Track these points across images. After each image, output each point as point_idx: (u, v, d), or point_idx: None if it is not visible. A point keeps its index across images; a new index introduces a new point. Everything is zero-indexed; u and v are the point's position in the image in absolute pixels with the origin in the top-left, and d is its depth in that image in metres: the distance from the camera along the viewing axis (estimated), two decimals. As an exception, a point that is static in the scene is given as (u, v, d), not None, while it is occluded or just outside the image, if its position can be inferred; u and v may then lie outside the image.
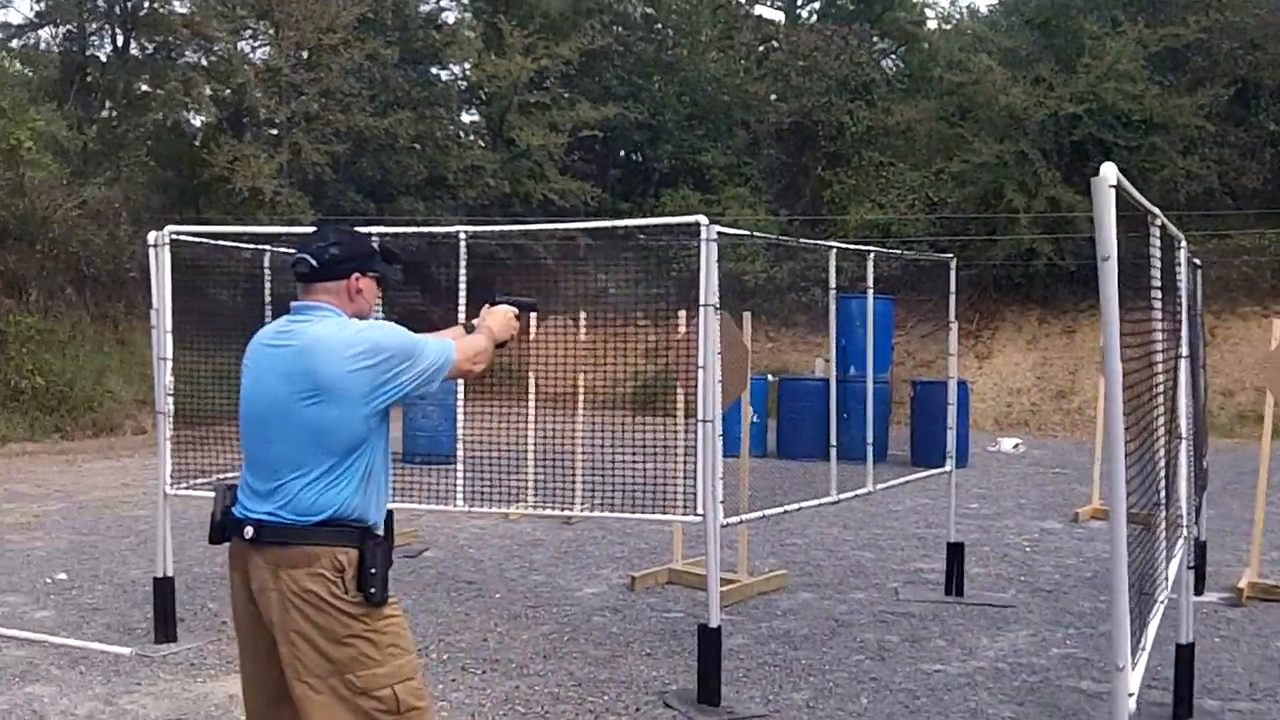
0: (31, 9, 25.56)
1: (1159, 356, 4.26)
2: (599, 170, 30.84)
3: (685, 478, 6.97)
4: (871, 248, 7.85)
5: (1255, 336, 20.66)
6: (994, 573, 8.90)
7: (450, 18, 30.25)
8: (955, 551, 8.12)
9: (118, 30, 25.85)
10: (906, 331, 22.90)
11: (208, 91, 25.45)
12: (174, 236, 6.83)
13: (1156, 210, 4.08)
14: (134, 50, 26.16)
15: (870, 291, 7.75)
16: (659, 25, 32.00)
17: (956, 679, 6.13)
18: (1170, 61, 24.15)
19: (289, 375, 3.43)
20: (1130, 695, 3.28)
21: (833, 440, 7.40)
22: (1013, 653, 6.66)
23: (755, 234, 7.10)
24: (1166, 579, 4.60)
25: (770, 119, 29.77)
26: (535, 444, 10.61)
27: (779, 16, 34.39)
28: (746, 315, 7.73)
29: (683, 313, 8.55)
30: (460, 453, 6.57)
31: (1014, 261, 23.77)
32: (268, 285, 8.15)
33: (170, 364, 6.75)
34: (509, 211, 26.53)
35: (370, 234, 4.54)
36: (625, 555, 9.24)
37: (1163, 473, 4.41)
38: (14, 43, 26.25)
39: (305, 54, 25.27)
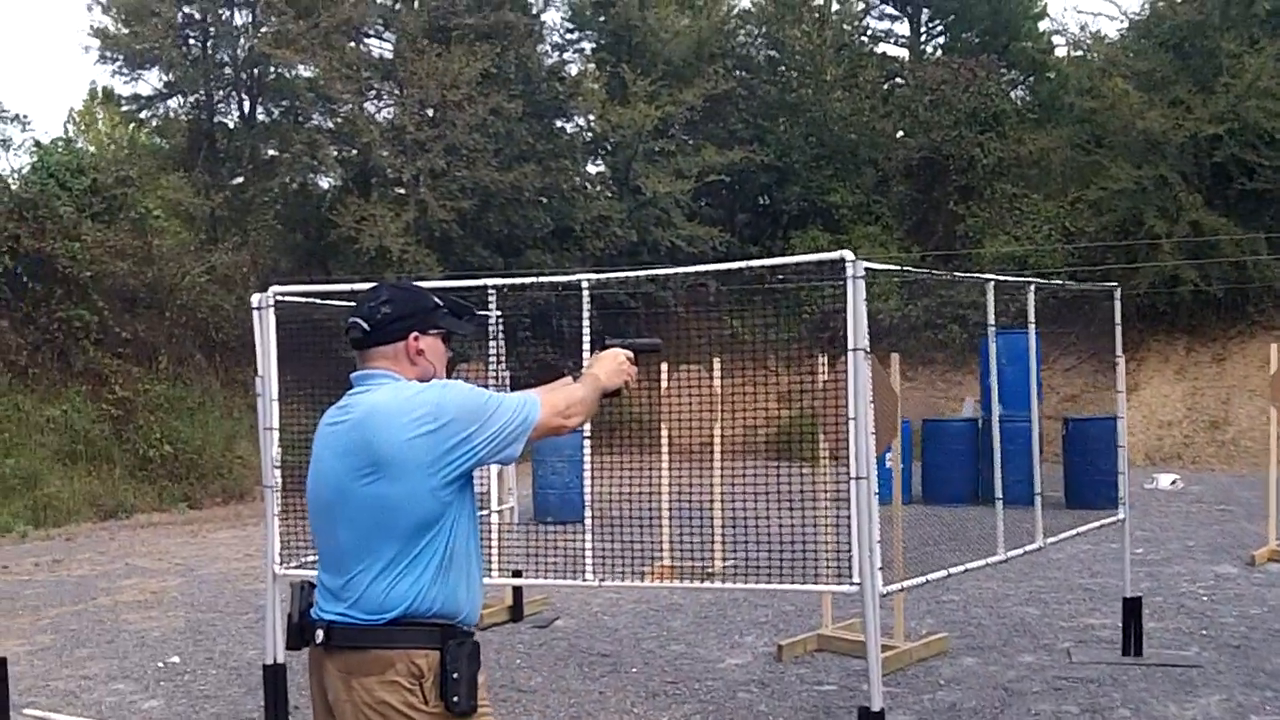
0: (160, 80, 26.03)
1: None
2: (726, 215, 30.42)
3: (838, 538, 6.39)
4: (1032, 279, 7.18)
5: None
6: (1172, 627, 8.11)
7: (573, 69, 30.21)
8: (1132, 607, 7.37)
9: (244, 96, 26.33)
10: (1049, 365, 22.02)
11: (333, 153, 25.69)
12: (279, 298, 6.51)
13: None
14: (260, 115, 26.59)
15: (1032, 325, 7.09)
16: (783, 67, 31.64)
17: (1153, 761, 5.43)
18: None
19: (346, 452, 3.02)
20: None
21: (997, 492, 6.71)
22: (1211, 726, 5.93)
23: (906, 269, 6.48)
24: None
25: (898, 155, 29.09)
26: (670, 500, 10.10)
27: (903, 53, 33.78)
28: (894, 357, 7.14)
29: (822, 357, 7.97)
30: (588, 521, 6.03)
31: (1157, 289, 22.78)
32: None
33: (276, 434, 6.40)
34: (637, 260, 26.21)
35: (445, 288, 3.72)
36: (770, 620, 8.62)
37: None
38: (144, 114, 26.86)
39: (430, 111, 25.40)
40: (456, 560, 3.01)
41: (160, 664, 7.97)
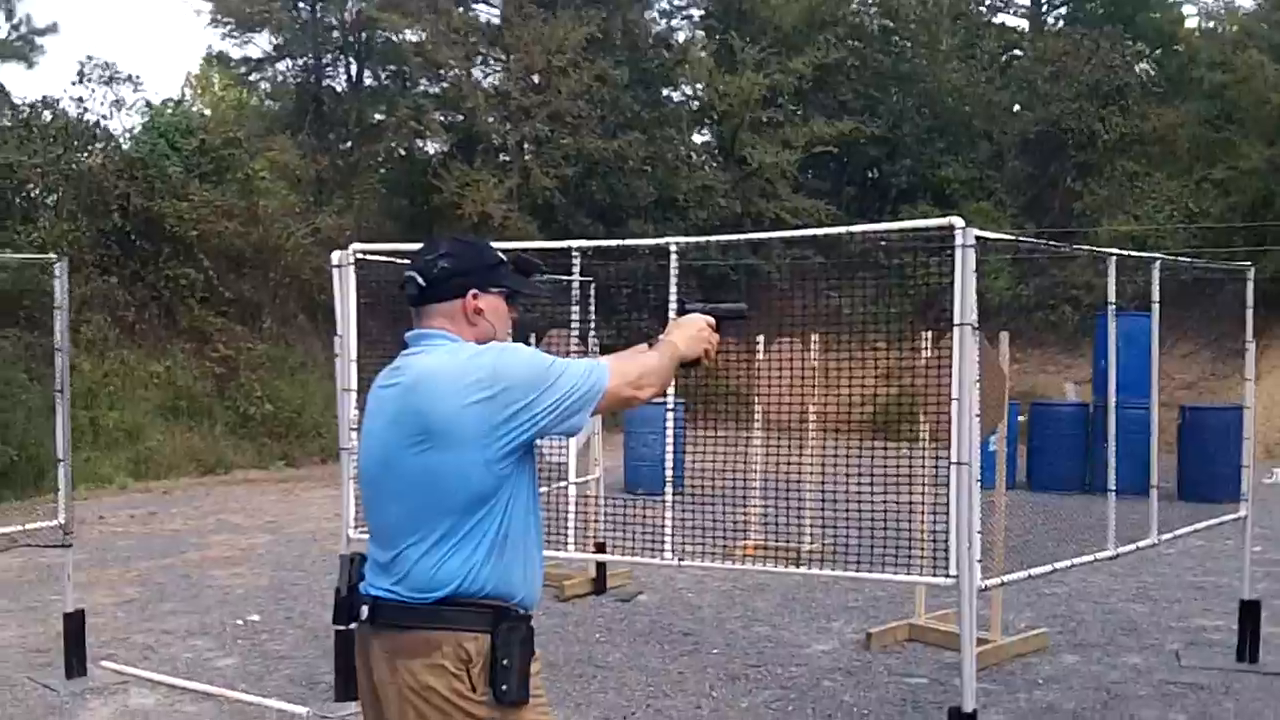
0: (270, 42, 26.22)
1: None
2: (833, 188, 29.81)
3: (935, 525, 6.04)
4: (1157, 255, 6.70)
5: None
6: (1293, 633, 7.61)
7: (681, 36, 29.84)
8: (1250, 610, 6.89)
9: (351, 60, 26.39)
10: (1165, 351, 21.16)
11: (438, 119, 25.65)
12: (359, 256, 6.32)
13: None
14: (367, 80, 26.66)
15: (1155, 305, 6.63)
16: (896, 37, 30.86)
17: (1269, 778, 5.02)
18: None
19: (397, 419, 2.77)
20: None
21: (1111, 483, 6.28)
22: (1336, 743, 5.49)
23: (1020, 238, 6.00)
24: None
25: (1014, 129, 28.24)
26: (761, 477, 9.78)
27: (1023, 23, 32.78)
28: (1004, 336, 6.73)
29: (926, 333, 7.58)
30: (668, 496, 5.72)
31: (1286, 275, 21.74)
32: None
33: (354, 395, 6.22)
34: (740, 232, 25.85)
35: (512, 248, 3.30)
36: (860, 605, 8.28)
37: None
38: (253, 76, 27.07)
39: (535, 78, 25.24)
40: (513, 538, 2.77)
41: (239, 622, 7.91)
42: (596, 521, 8.57)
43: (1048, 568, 5.54)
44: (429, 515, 2.72)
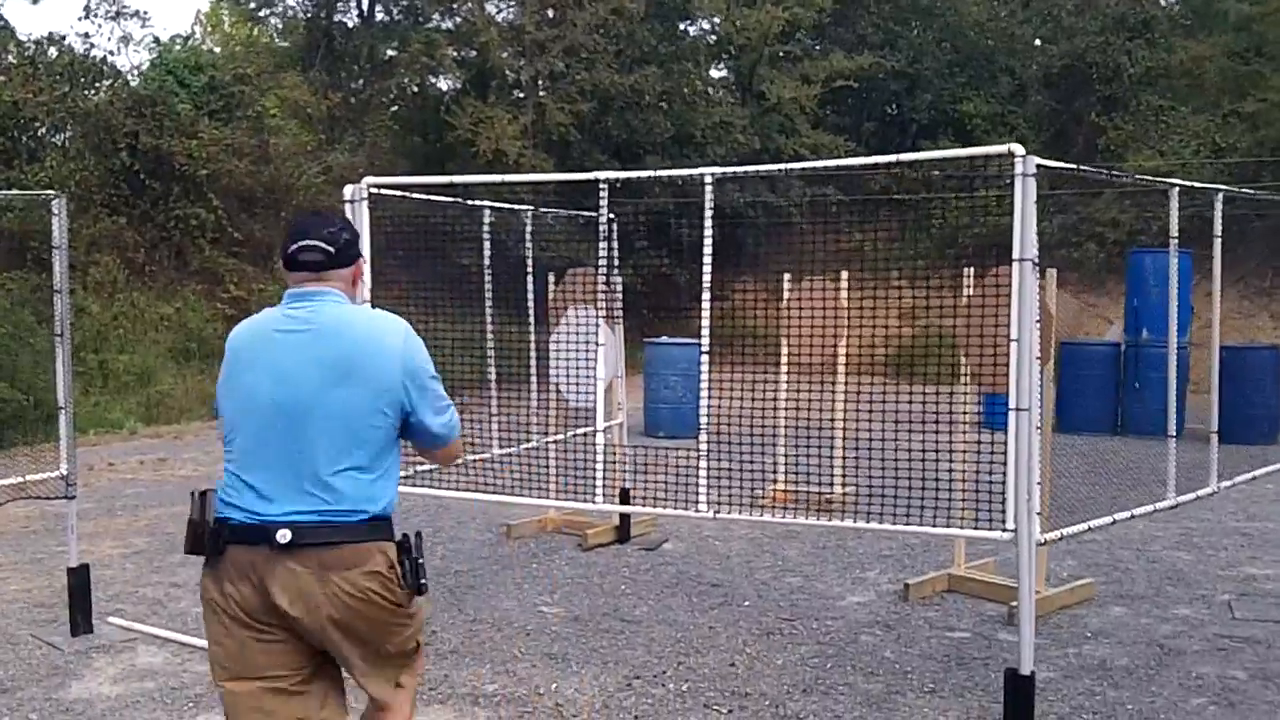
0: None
1: None
2: (853, 123, 29.27)
3: (978, 472, 5.73)
4: (1220, 187, 6.31)
5: None
6: (1347, 581, 7.31)
7: (697, -32, 29.16)
8: (1304, 559, 6.59)
9: (363, -5, 25.90)
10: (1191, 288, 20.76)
11: (451, 54, 25.13)
12: (373, 190, 5.98)
13: None
14: (379, 15, 26.12)
15: (1218, 239, 6.27)
16: (917, -32, 30.20)
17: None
18: None
19: (327, 361, 3.11)
20: None
21: (1171, 428, 5.93)
22: (1407, 702, 5.18)
23: (1081, 168, 5.56)
24: None
25: (1037, 63, 27.65)
26: (788, 420, 9.47)
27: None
28: (1051, 274, 6.36)
29: (968, 269, 7.21)
30: (702, 446, 5.39)
31: (1317, 210, 21.26)
32: (487, 246, 7.28)
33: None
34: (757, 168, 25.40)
35: None
36: (894, 553, 7.97)
37: None
38: (264, 11, 26.55)
39: (550, 11, 24.70)
40: (396, 468, 3.25)
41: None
42: (622, 469, 8.30)
43: (1107, 519, 5.22)
44: (354, 446, 3.09)
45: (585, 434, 9.11)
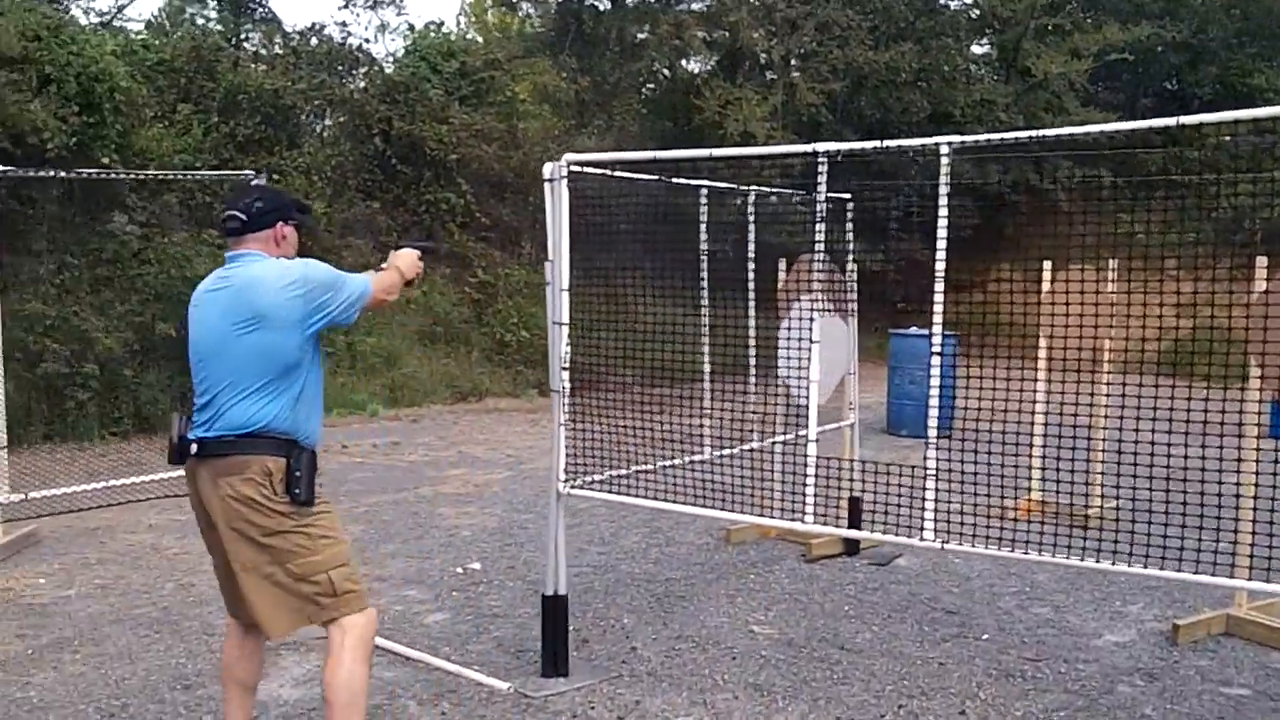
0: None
1: None
2: (1127, 100, 27.26)
3: (1273, 499, 4.80)
4: None
5: None
6: None
7: (960, -62, 27.76)
8: None
9: (614, -23, 25.67)
10: None
11: (700, 35, 24.61)
12: (573, 169, 5.48)
13: None
14: (630, -2, 25.87)
15: None
16: (1202, -72, 27.90)
17: None
18: None
19: (229, 309, 3.85)
20: None
21: None
22: None
23: None
24: None
25: (1343, 30, 25.15)
26: (1044, 422, 8.55)
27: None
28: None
29: (1263, 260, 6.20)
30: (929, 463, 4.57)
31: None
32: (703, 226, 6.69)
33: (566, 330, 5.42)
34: (1022, 148, 23.92)
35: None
36: (1162, 584, 6.87)
37: None
38: (518, -2, 26.66)
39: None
40: (305, 396, 3.93)
41: (459, 570, 7.33)
42: (850, 477, 7.58)
43: None
44: (250, 375, 3.82)
45: (807, 437, 8.47)
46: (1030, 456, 8.35)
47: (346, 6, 23.06)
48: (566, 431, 5.53)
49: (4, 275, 12.90)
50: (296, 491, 3.80)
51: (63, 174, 10.42)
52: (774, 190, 7.64)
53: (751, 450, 7.16)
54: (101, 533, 8.30)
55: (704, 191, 6.93)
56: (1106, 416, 8.20)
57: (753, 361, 7.70)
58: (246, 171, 8.34)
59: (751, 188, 7.41)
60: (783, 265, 7.82)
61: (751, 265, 7.42)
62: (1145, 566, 4.21)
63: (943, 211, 4.55)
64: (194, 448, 3.85)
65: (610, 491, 5.72)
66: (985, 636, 5.95)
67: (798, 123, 23.03)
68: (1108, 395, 8.25)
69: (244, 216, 3.96)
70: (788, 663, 5.54)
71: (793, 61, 24.26)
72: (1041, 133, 4.41)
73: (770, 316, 7.52)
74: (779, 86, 23.23)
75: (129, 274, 14.03)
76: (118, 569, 7.31)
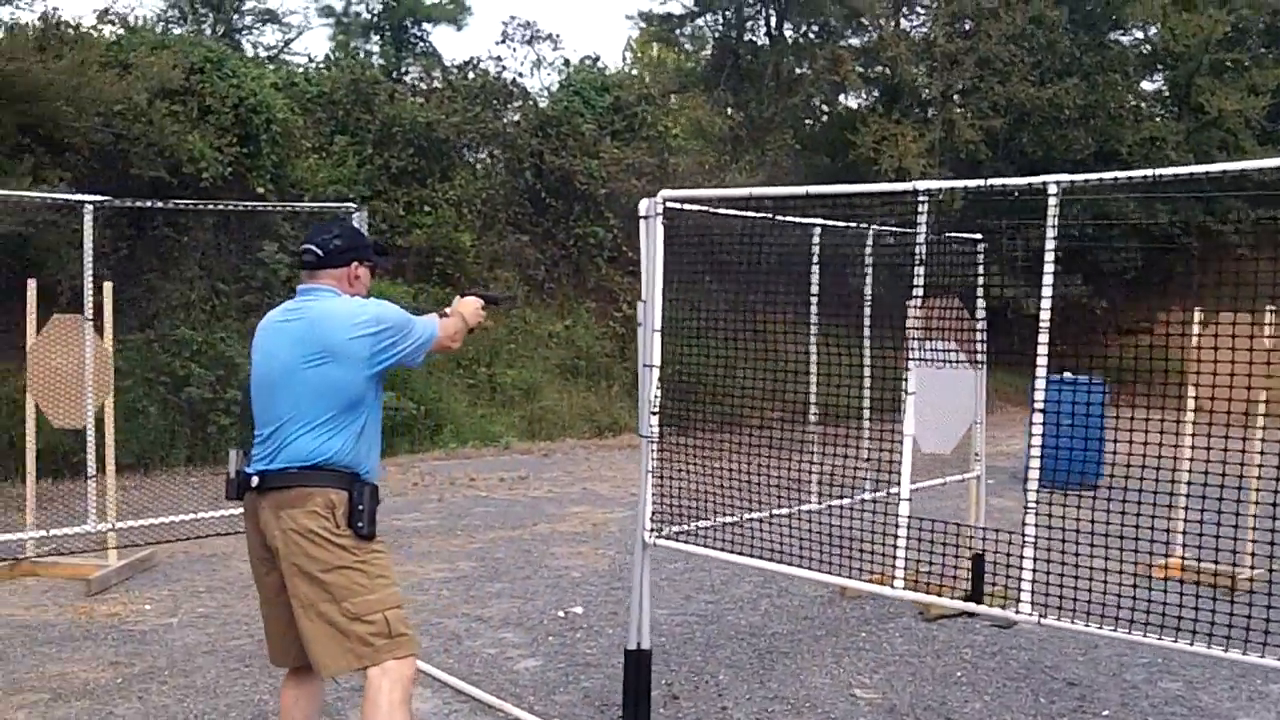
0: (693, -1, 25.76)
1: None
2: (1310, 138, 25.96)
3: None
4: None
5: None
6: None
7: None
8: None
9: (772, 13, 25.48)
10: None
11: (858, 70, 24.26)
12: (669, 205, 5.28)
13: None
14: (788, 32, 25.66)
15: None
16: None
17: None
18: None
19: (299, 342, 3.86)
20: None
21: None
22: None
23: None
24: None
25: None
26: (1190, 476, 7.96)
27: None
28: None
29: None
30: (1029, 528, 4.18)
31: None
32: (815, 266, 6.41)
33: (656, 373, 5.21)
34: (1194, 189, 22.91)
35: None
36: (1313, 659, 6.36)
37: None
38: (675, 32, 26.67)
39: (964, 23, 23.38)
40: (368, 432, 3.94)
41: (561, 614, 7.14)
42: (976, 531, 7.16)
43: None
44: (315, 408, 3.81)
45: (940, 484, 8.06)
46: (1173, 512, 7.79)
47: (503, 42, 23.37)
48: (655, 479, 5.31)
49: (156, 302, 13.30)
50: (359, 525, 3.78)
51: (211, 205, 10.62)
52: (895, 230, 7.31)
53: (847, 505, 6.81)
54: (215, 560, 8.37)
55: (816, 230, 6.66)
56: (1260, 474, 7.61)
57: (867, 407, 7.36)
58: (349, 204, 8.35)
59: (870, 226, 7.10)
60: (912, 306, 7.47)
61: (868, 306, 7.11)
62: None
63: (1049, 256, 4.20)
64: (254, 481, 3.84)
65: (697, 544, 5.47)
66: (1106, 713, 5.48)
67: (956, 159, 22.49)
68: (1262, 450, 7.68)
69: (320, 252, 3.99)
70: (888, 729, 5.19)
71: (954, 97, 23.74)
72: (1157, 171, 4.04)
73: (888, 359, 7.18)
74: (937, 122, 22.73)
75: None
76: (224, 597, 7.33)
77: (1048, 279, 4.23)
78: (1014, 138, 23.32)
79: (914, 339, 5.38)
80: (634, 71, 28.34)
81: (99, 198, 8.03)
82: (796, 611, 7.25)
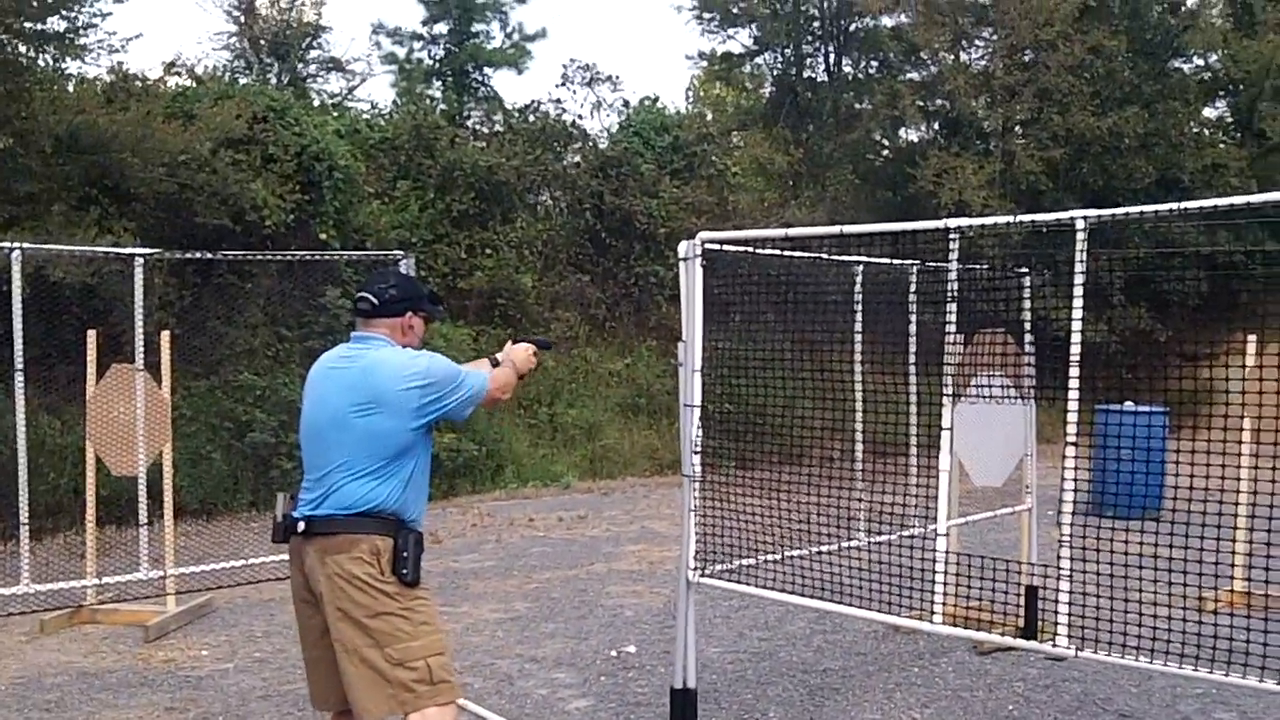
0: (751, 37, 25.88)
1: None
2: (1380, 162, 25.51)
3: None
4: None
5: None
6: None
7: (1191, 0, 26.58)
8: None
9: (831, 50, 25.59)
10: None
11: (917, 104, 24.25)
12: (708, 247, 5.38)
13: None
14: (846, 68, 25.74)
15: None
16: None
17: None
18: None
19: (350, 389, 3.93)
20: None
21: None
22: None
23: None
24: None
25: None
26: (1251, 505, 7.86)
27: None
28: None
29: None
30: (1065, 562, 4.18)
31: None
32: (859, 302, 6.45)
33: (698, 413, 5.29)
34: (1258, 216, 22.60)
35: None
36: (1373, 691, 6.27)
37: None
38: (734, 70, 26.82)
39: (1025, 55, 23.31)
40: (415, 480, 4.00)
41: (614, 653, 7.19)
42: (1029, 565, 7.15)
43: None
44: (364, 456, 3.87)
45: (991, 516, 8.04)
46: (1235, 544, 7.70)
47: (563, 84, 23.68)
48: (699, 517, 5.38)
49: (221, 348, 13.59)
50: (404, 571, 3.83)
51: (264, 256, 10.89)
52: (938, 265, 7.34)
53: (893, 540, 6.82)
54: (273, 604, 8.52)
55: (860, 268, 6.72)
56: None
57: (914, 442, 7.38)
58: (397, 253, 8.55)
59: (913, 263, 7.15)
60: (960, 339, 7.49)
61: (913, 341, 7.15)
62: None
63: (1078, 291, 4.23)
64: (300, 526, 3.91)
65: (745, 582, 5.52)
66: (1155, 748, 5.46)
67: (1017, 191, 22.38)
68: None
69: (375, 301, 4.04)
70: (933, 765, 5.20)
71: (1014, 129, 23.64)
72: (1180, 205, 4.07)
73: (935, 393, 7.20)
74: (997, 154, 22.66)
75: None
76: (281, 641, 7.47)
77: (1077, 313, 4.26)
78: (1074, 168, 23.12)
79: (949, 374, 5.40)
80: (696, 109, 28.56)
81: (148, 250, 8.32)
82: (850, 647, 7.25)
